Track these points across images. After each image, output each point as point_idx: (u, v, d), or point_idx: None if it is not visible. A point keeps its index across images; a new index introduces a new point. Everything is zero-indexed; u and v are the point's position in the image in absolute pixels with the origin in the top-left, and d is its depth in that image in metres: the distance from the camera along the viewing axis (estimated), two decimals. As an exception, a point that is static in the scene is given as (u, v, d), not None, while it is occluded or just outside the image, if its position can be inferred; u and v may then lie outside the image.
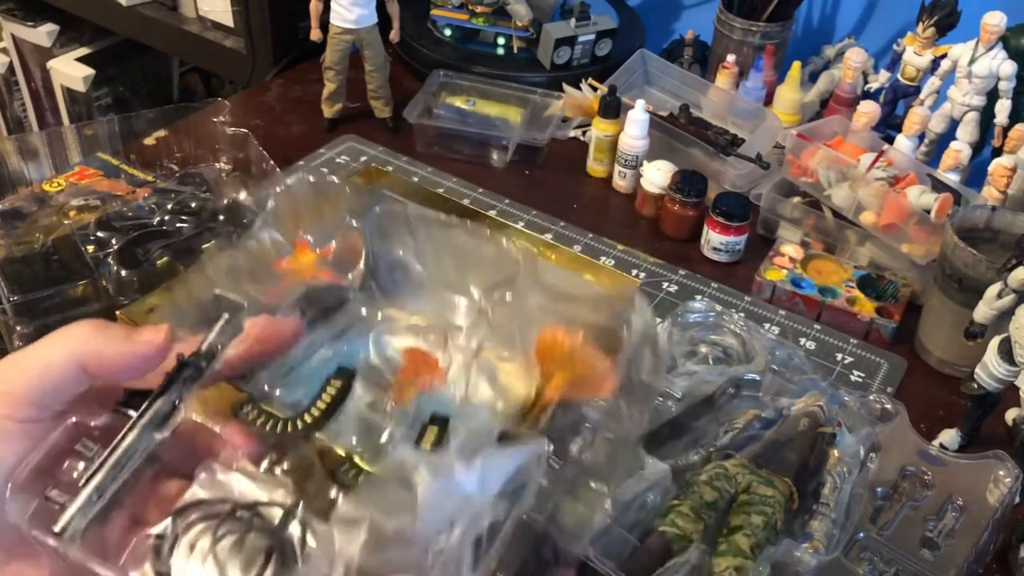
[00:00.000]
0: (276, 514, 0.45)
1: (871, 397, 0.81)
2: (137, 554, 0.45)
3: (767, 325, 1.01)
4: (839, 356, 0.98)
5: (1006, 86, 1.11)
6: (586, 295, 0.58)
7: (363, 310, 0.57)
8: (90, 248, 0.95)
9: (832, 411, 0.76)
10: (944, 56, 1.15)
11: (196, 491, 0.47)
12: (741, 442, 0.74)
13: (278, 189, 0.61)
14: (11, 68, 1.90)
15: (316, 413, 0.50)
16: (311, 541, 0.44)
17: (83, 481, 0.45)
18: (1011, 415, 0.89)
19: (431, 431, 0.49)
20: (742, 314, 0.90)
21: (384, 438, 0.50)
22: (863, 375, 0.96)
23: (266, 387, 0.54)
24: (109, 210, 1.01)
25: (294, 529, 0.45)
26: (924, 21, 1.16)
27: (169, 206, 1.01)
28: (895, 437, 0.78)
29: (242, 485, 0.47)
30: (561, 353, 0.53)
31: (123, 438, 0.47)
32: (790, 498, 0.70)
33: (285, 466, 0.48)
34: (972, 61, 1.11)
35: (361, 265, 0.58)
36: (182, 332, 0.52)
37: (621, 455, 0.56)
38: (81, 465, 0.46)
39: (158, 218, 1.00)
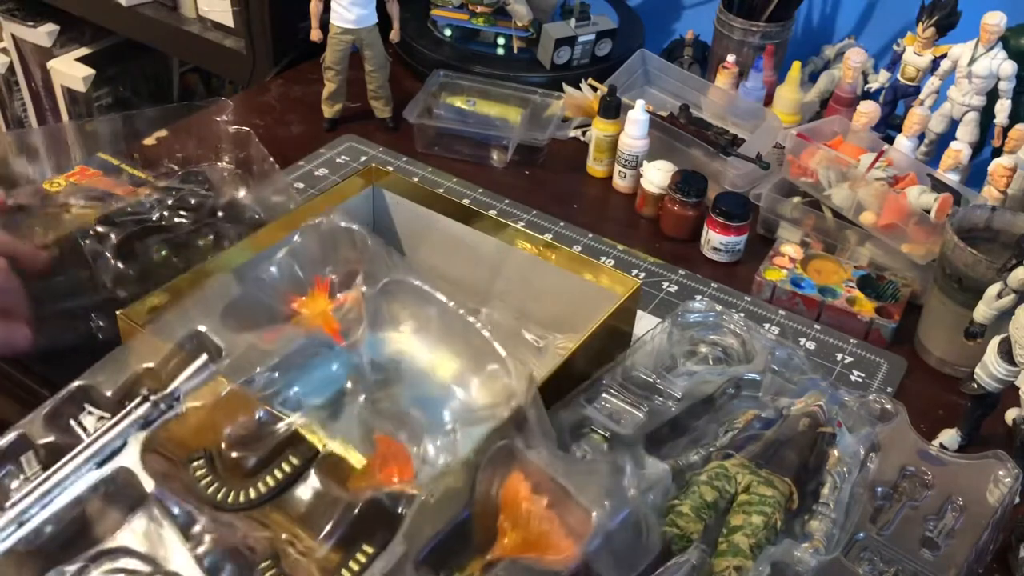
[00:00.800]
0: None
1: (871, 397, 0.81)
2: None
3: (767, 325, 1.01)
4: (839, 356, 0.98)
5: (1006, 86, 1.11)
6: (577, 468, 0.54)
7: (348, 384, 0.55)
8: (88, 242, 0.95)
9: (832, 411, 0.76)
10: (944, 56, 1.15)
11: (127, 535, 0.46)
12: (741, 442, 0.74)
13: (308, 223, 0.59)
14: (11, 68, 1.90)
15: (263, 489, 0.48)
16: None
17: (9, 504, 0.44)
18: (1011, 415, 0.89)
19: (363, 552, 0.47)
20: (742, 314, 0.90)
21: (320, 537, 0.48)
22: (863, 375, 0.96)
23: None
24: (110, 208, 1.01)
25: None
26: (924, 21, 1.16)
27: (169, 202, 1.01)
28: (895, 437, 0.78)
29: (173, 547, 0.45)
30: (518, 511, 0.50)
31: (57, 470, 0.45)
32: (790, 498, 0.70)
33: (209, 542, 0.46)
34: (972, 61, 1.11)
35: (361, 333, 0.56)
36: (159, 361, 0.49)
37: None
38: (15, 484, 0.45)
39: (157, 214, 1.00)
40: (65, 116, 1.84)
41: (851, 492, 0.72)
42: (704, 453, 0.75)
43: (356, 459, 0.51)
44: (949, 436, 0.88)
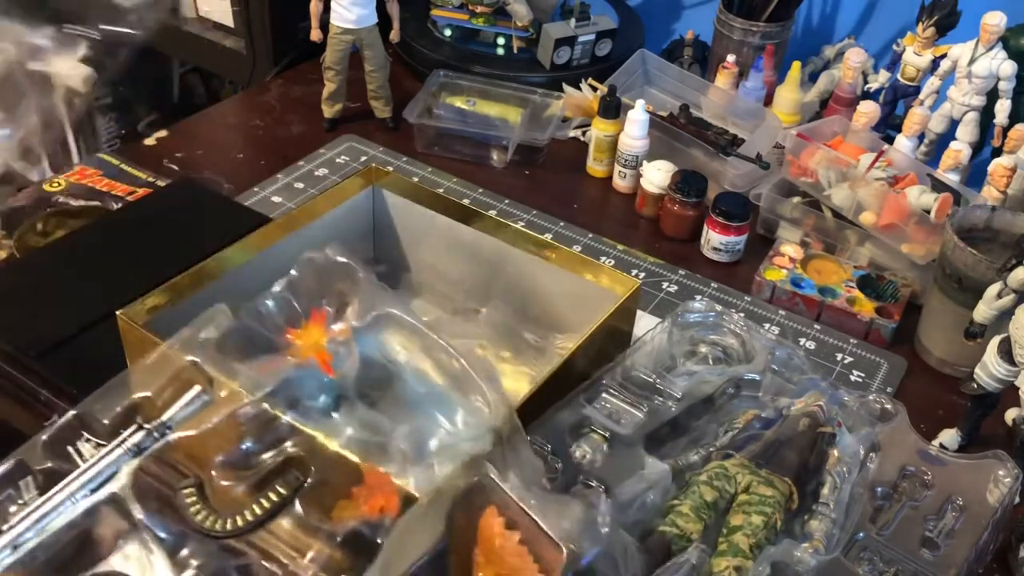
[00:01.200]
0: None
1: (871, 397, 0.81)
2: None
3: (767, 325, 1.01)
4: (839, 356, 0.98)
5: (1006, 86, 1.11)
6: (550, 503, 0.54)
7: (335, 415, 0.56)
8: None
9: (832, 411, 0.76)
10: (944, 56, 1.15)
11: (118, 560, 0.48)
12: (741, 442, 0.74)
13: (305, 256, 0.61)
14: (11, 68, 1.90)
15: (249, 517, 0.49)
16: None
17: (6, 527, 0.45)
18: (1011, 415, 0.89)
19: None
20: (742, 314, 0.90)
21: (303, 565, 0.49)
22: (863, 375, 0.96)
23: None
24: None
25: None
26: (924, 21, 1.16)
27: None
28: (895, 437, 0.78)
29: (161, 573, 0.47)
30: (492, 545, 0.51)
31: (53, 495, 0.46)
32: (790, 498, 0.70)
33: (195, 568, 0.48)
34: (972, 61, 1.11)
35: (351, 365, 0.57)
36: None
37: None
38: (12, 508, 0.47)
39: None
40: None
41: (851, 492, 0.72)
42: (704, 453, 0.75)
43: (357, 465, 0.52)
44: (949, 436, 0.88)
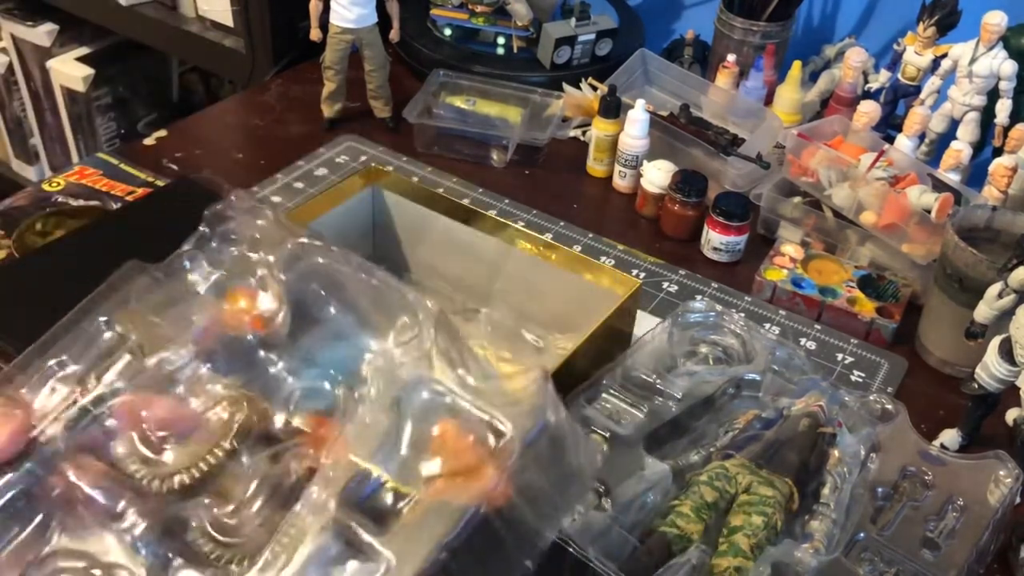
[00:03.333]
0: None
1: (871, 397, 0.81)
2: None
3: (767, 325, 1.01)
4: (839, 356, 0.98)
5: (1006, 86, 1.11)
6: (496, 389, 0.52)
7: (271, 370, 0.54)
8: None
9: (832, 411, 0.76)
10: (945, 56, 1.15)
11: (63, 540, 0.47)
12: (741, 442, 0.74)
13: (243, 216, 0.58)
14: (10, 68, 1.90)
15: (196, 474, 0.48)
16: None
17: None
18: (1011, 415, 0.89)
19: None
20: (742, 314, 0.89)
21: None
22: (863, 375, 0.96)
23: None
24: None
25: None
26: (924, 21, 1.15)
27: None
28: (895, 437, 0.78)
29: (105, 543, 0.46)
30: (440, 446, 0.49)
31: None
32: (790, 498, 0.70)
33: (143, 527, 0.46)
34: (973, 61, 1.11)
35: (280, 318, 0.55)
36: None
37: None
38: None
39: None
40: (65, 116, 1.84)
41: (851, 492, 0.72)
42: (704, 453, 0.75)
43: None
44: (950, 436, 0.88)
